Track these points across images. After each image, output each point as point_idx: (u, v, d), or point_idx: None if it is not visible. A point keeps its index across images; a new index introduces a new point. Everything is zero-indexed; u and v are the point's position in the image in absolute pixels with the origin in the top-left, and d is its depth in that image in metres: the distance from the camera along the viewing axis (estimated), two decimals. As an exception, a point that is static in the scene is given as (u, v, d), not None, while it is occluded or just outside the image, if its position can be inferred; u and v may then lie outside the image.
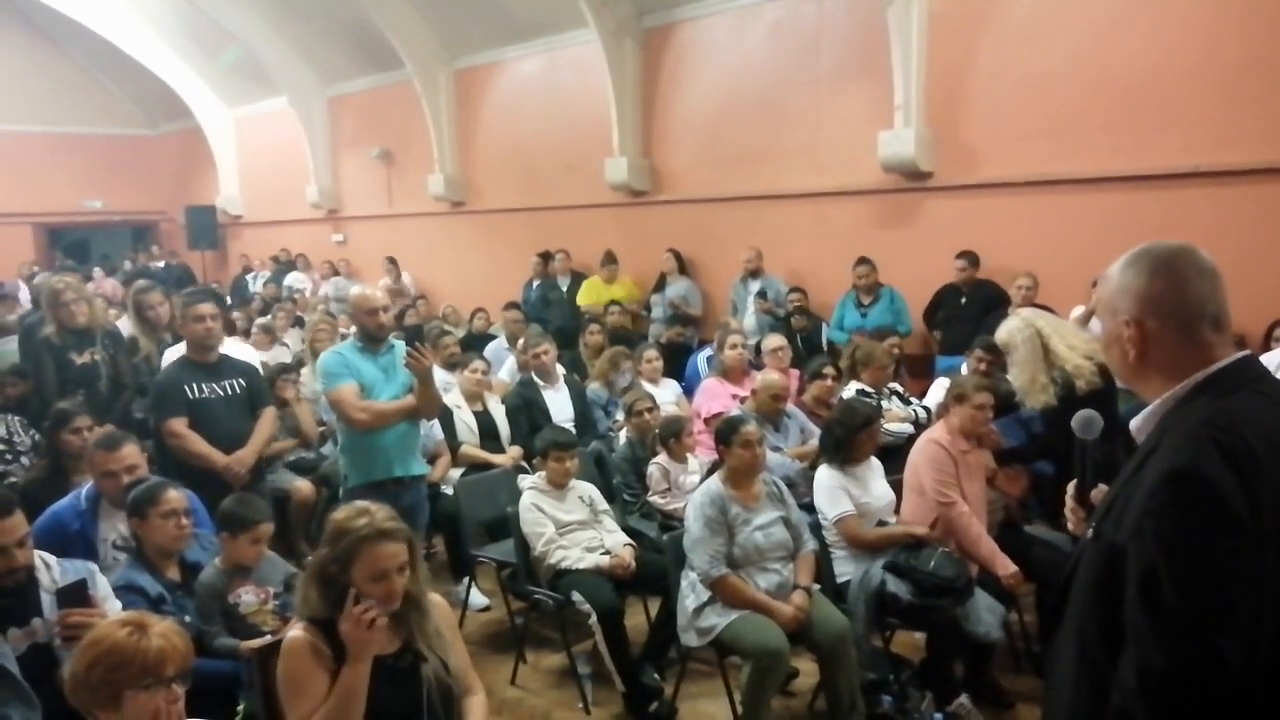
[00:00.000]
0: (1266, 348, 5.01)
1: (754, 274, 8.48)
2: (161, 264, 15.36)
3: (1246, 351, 1.67)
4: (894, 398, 5.90)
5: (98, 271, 14.39)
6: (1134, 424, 1.71)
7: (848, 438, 4.30)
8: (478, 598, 5.31)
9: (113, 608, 2.94)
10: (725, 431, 4.02)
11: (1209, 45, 6.19)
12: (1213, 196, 6.25)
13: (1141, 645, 1.48)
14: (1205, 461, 1.48)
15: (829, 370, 5.82)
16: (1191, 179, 6.31)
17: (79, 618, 2.75)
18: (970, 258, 7.25)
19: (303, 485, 5.85)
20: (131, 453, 3.74)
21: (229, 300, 11.26)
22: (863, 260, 7.69)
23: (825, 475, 4.32)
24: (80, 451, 4.17)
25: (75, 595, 2.83)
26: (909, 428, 5.59)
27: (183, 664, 2.16)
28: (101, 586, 3.02)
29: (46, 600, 2.88)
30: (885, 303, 7.63)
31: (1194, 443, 1.52)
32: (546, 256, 10.43)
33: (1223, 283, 1.68)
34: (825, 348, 7.56)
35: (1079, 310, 6.30)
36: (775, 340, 6.53)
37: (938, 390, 5.94)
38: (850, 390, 5.72)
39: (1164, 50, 6.38)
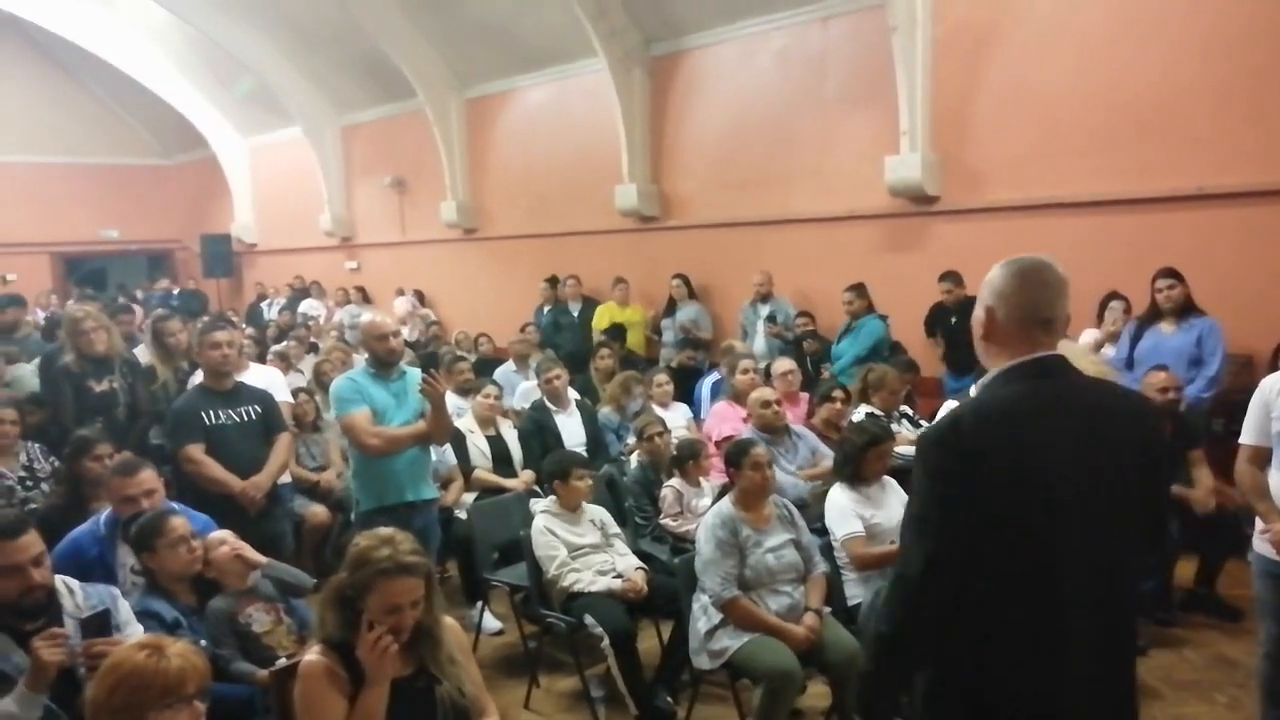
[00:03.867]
0: (1275, 368, 5.01)
1: (764, 298, 8.53)
2: (176, 290, 15.52)
3: (1055, 351, 2.08)
4: (904, 420, 5.92)
5: (136, 308, 14.42)
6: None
7: (856, 455, 4.34)
8: (491, 621, 5.32)
9: (135, 632, 2.97)
10: (735, 454, 4.05)
11: (1210, 68, 6.23)
12: (1218, 219, 6.28)
13: (902, 559, 2.06)
14: (938, 431, 2.04)
15: (838, 393, 5.85)
16: (1197, 201, 6.33)
17: (102, 647, 2.77)
18: (953, 278, 7.25)
19: (318, 510, 5.91)
20: (149, 478, 3.77)
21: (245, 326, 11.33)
22: (850, 287, 7.66)
23: (837, 494, 4.35)
24: (100, 478, 4.23)
25: (98, 625, 2.86)
26: (919, 450, 5.59)
27: (202, 682, 2.20)
28: (124, 611, 3.06)
29: (70, 625, 2.89)
30: (853, 336, 7.52)
31: (947, 417, 2.05)
32: (554, 281, 10.52)
33: (1064, 296, 2.08)
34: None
35: (1090, 335, 6.31)
36: (785, 364, 6.57)
37: (946, 412, 5.96)
38: (860, 413, 5.75)
39: (1168, 74, 6.42)
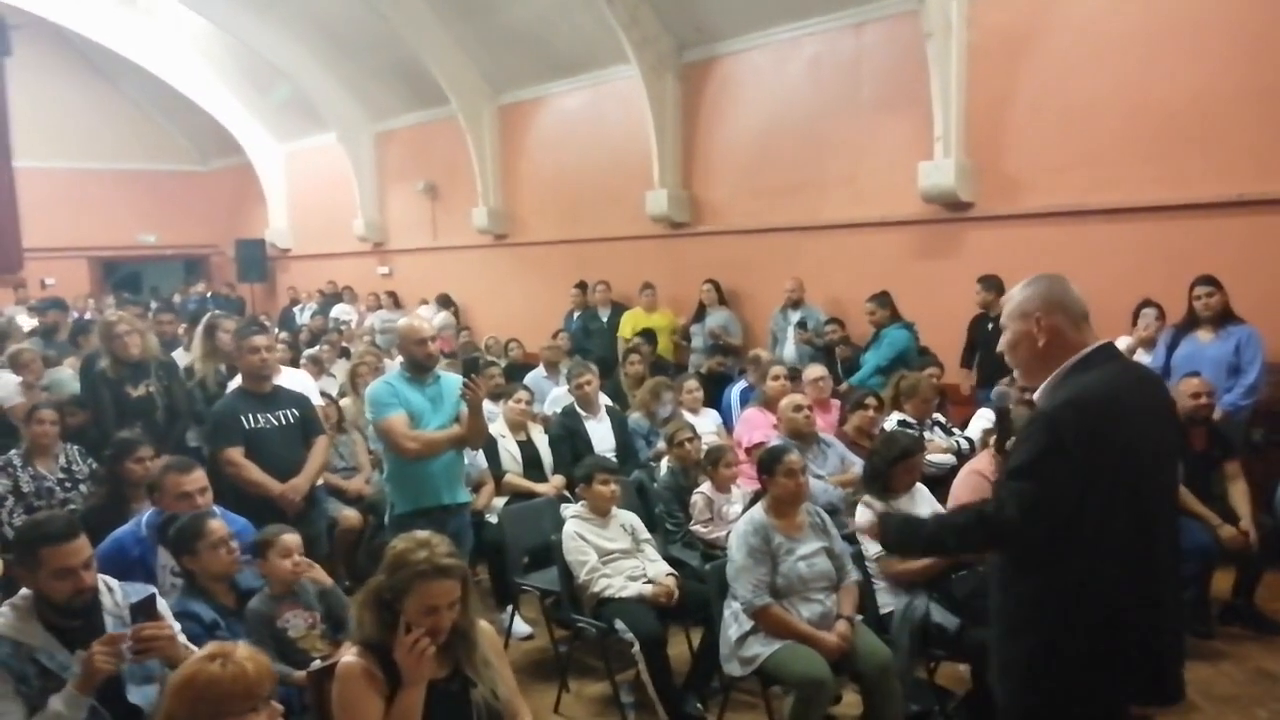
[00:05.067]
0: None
1: (795, 304, 8.51)
2: (210, 294, 15.71)
3: (1106, 340, 2.51)
4: (936, 428, 5.89)
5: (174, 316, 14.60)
6: (1037, 394, 2.53)
7: (885, 469, 4.31)
8: (521, 626, 5.34)
9: (174, 628, 3.02)
10: (768, 461, 4.04)
11: (1250, 74, 6.16)
12: (1254, 226, 6.20)
13: (997, 502, 2.45)
14: (1063, 410, 2.37)
15: (870, 400, 5.83)
16: (1233, 208, 6.26)
17: (152, 630, 2.83)
18: (990, 283, 7.16)
19: (350, 514, 5.94)
20: (202, 476, 3.87)
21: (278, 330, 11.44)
22: (872, 297, 7.61)
23: (867, 508, 4.32)
24: (141, 480, 4.29)
25: (146, 610, 2.90)
26: (951, 459, 5.58)
27: (274, 679, 2.21)
28: (163, 609, 3.11)
29: (110, 622, 2.94)
30: (874, 349, 7.45)
31: (1062, 399, 2.40)
32: (584, 287, 10.56)
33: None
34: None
35: (1124, 341, 6.26)
36: (816, 370, 6.56)
37: (980, 421, 5.93)
38: (892, 421, 5.73)
39: (1204, 79, 6.36)
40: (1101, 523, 2.34)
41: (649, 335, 9.22)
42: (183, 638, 3.01)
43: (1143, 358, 6.14)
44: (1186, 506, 4.74)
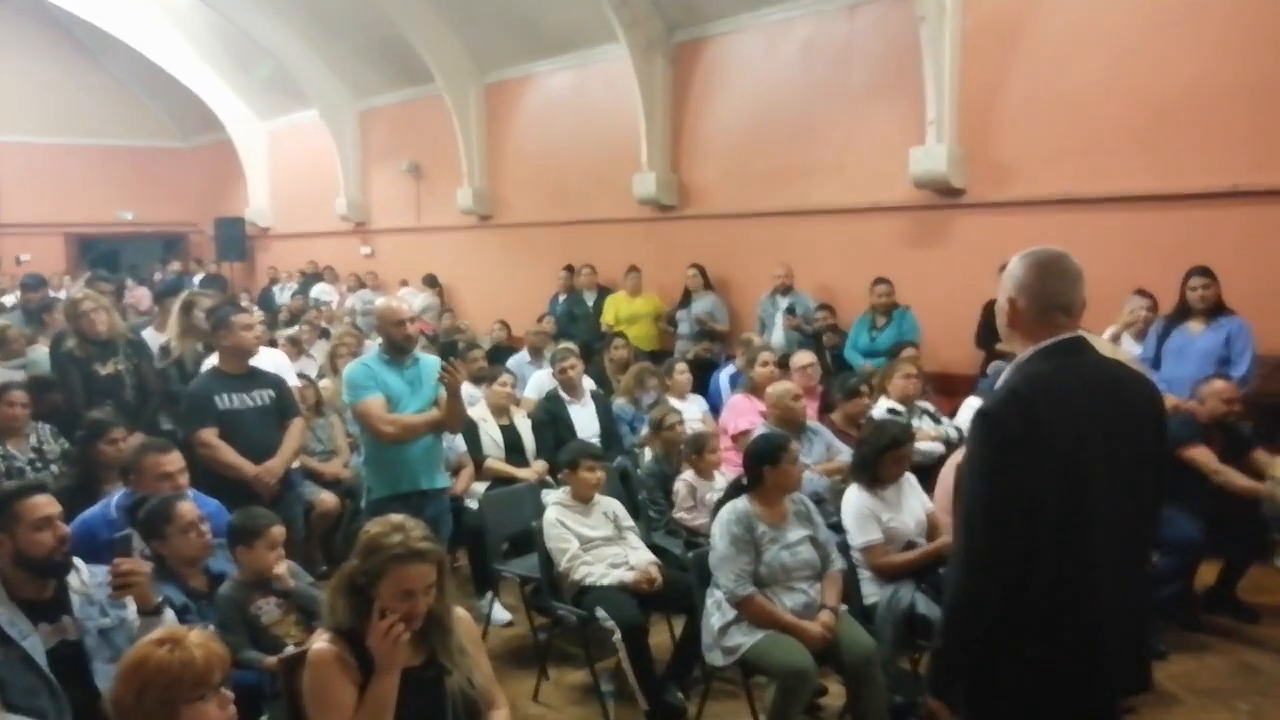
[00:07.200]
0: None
1: (784, 290, 8.44)
2: (199, 277, 15.50)
3: (1077, 332, 2.32)
4: (925, 416, 5.84)
5: (129, 281, 14.49)
6: (997, 384, 2.41)
7: (874, 458, 4.25)
8: (500, 613, 5.28)
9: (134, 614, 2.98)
10: (773, 450, 3.92)
11: (1245, 65, 6.11)
12: (1247, 216, 6.16)
13: (960, 514, 2.26)
14: (998, 405, 2.23)
15: (864, 388, 5.78)
16: (1226, 199, 6.22)
17: (130, 565, 2.90)
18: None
19: (327, 497, 5.84)
20: (179, 456, 3.83)
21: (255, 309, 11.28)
22: (880, 280, 7.60)
23: (854, 497, 4.26)
24: (114, 461, 4.21)
25: (124, 546, 3.00)
26: (940, 447, 5.53)
27: (226, 668, 2.17)
28: (138, 548, 3.16)
29: (77, 601, 2.95)
30: (895, 326, 7.47)
31: (1001, 393, 2.27)
32: (571, 270, 10.47)
33: (1081, 283, 2.33)
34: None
35: (1110, 330, 6.23)
36: (804, 357, 6.50)
37: (968, 410, 5.88)
38: (881, 409, 5.68)
39: (1199, 69, 6.31)
40: (1029, 525, 2.17)
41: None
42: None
43: (1131, 347, 6.10)
44: (1232, 483, 4.79)
